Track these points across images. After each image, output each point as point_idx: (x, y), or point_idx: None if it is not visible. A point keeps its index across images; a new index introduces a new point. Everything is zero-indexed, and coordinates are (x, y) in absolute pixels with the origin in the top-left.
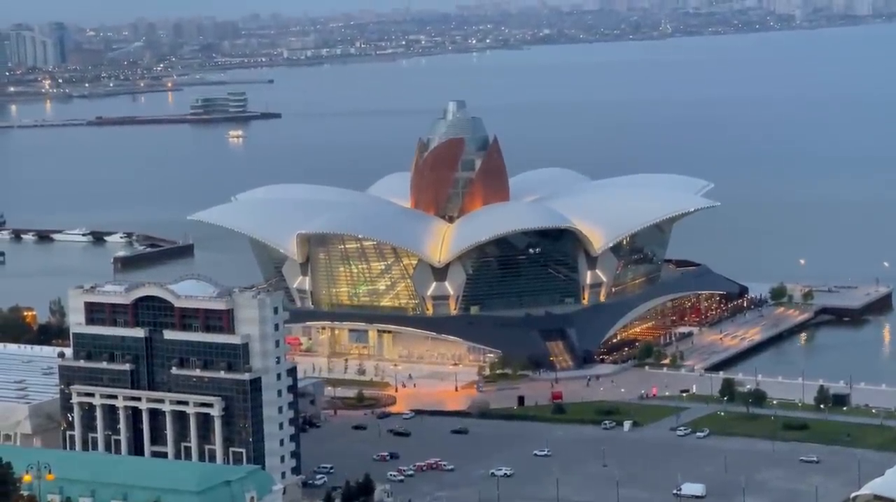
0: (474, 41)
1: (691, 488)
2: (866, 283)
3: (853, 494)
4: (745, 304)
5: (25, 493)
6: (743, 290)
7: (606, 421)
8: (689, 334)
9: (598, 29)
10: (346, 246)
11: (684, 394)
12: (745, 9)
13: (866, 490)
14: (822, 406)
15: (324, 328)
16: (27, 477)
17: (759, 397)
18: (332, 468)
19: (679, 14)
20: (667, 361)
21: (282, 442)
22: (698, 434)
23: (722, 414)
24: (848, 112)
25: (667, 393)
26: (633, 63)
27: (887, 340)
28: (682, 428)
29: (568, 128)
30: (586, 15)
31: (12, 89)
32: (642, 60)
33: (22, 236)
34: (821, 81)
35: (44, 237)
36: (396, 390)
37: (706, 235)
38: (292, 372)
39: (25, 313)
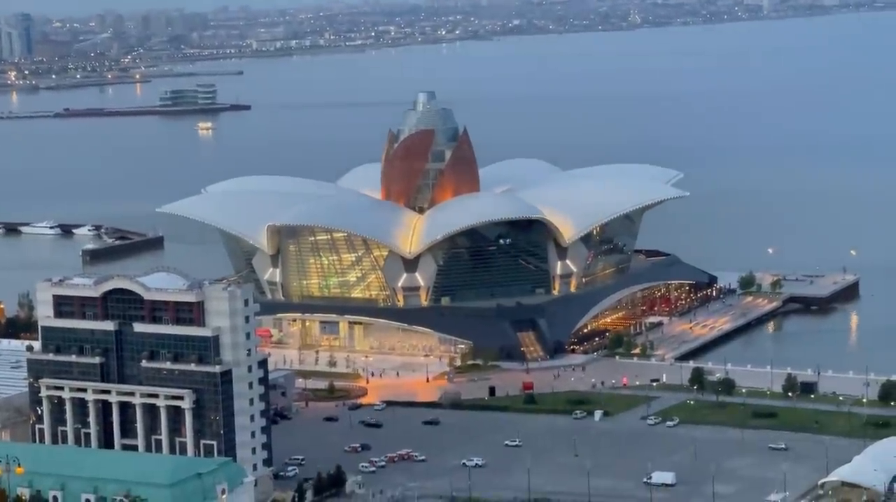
0: (444, 32)
1: (662, 476)
2: (834, 272)
3: (821, 480)
4: (714, 294)
5: (5, 491)
6: (712, 280)
7: (577, 411)
8: (659, 324)
9: (567, 20)
10: (317, 237)
11: (654, 384)
12: None
13: (834, 476)
14: (790, 394)
15: (295, 320)
16: None
17: (728, 386)
18: (303, 460)
19: (647, 5)
20: (637, 351)
21: (253, 435)
22: (668, 423)
23: (692, 402)
24: (816, 101)
25: (637, 383)
26: (603, 54)
27: (854, 328)
28: (652, 417)
29: (538, 120)
30: (555, 6)
31: None
32: (611, 51)
33: None
34: (788, 71)
35: (11, 230)
36: (367, 381)
37: (676, 225)
38: (263, 364)
39: None
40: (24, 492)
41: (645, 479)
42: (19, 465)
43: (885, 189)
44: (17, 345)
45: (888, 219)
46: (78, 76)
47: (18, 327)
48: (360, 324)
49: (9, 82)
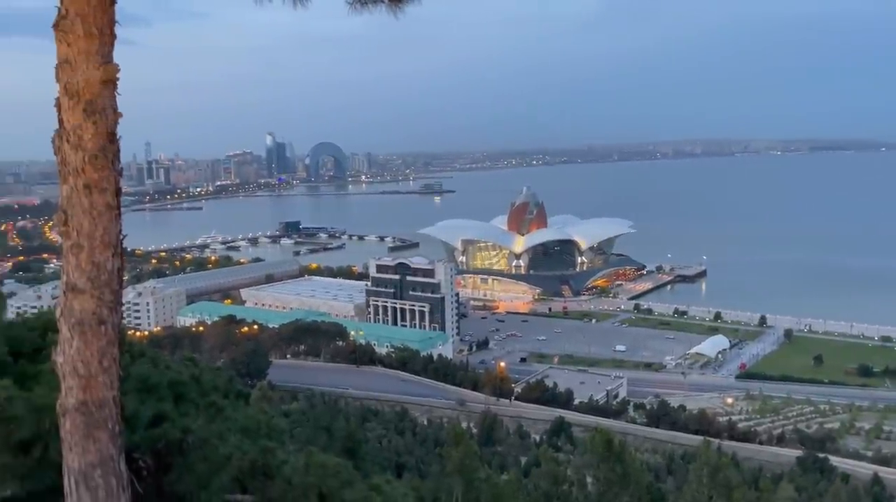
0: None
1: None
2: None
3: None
4: (643, 272)
5: (355, 340)
6: (642, 266)
7: (586, 319)
8: (620, 284)
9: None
10: (480, 244)
11: (620, 307)
12: None
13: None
14: None
15: (471, 277)
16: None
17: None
18: (471, 333)
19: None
20: (611, 296)
21: (452, 323)
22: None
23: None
24: None
25: (605, 307)
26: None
27: None
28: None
29: (574, 198)
30: None
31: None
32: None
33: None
34: None
35: (360, 238)
36: (497, 305)
37: (631, 243)
38: (457, 294)
39: (353, 268)
40: (362, 341)
41: None
42: (361, 331)
43: None
44: (359, 284)
45: None
46: (388, 178)
47: (357, 277)
48: (497, 279)
49: (361, 181)
